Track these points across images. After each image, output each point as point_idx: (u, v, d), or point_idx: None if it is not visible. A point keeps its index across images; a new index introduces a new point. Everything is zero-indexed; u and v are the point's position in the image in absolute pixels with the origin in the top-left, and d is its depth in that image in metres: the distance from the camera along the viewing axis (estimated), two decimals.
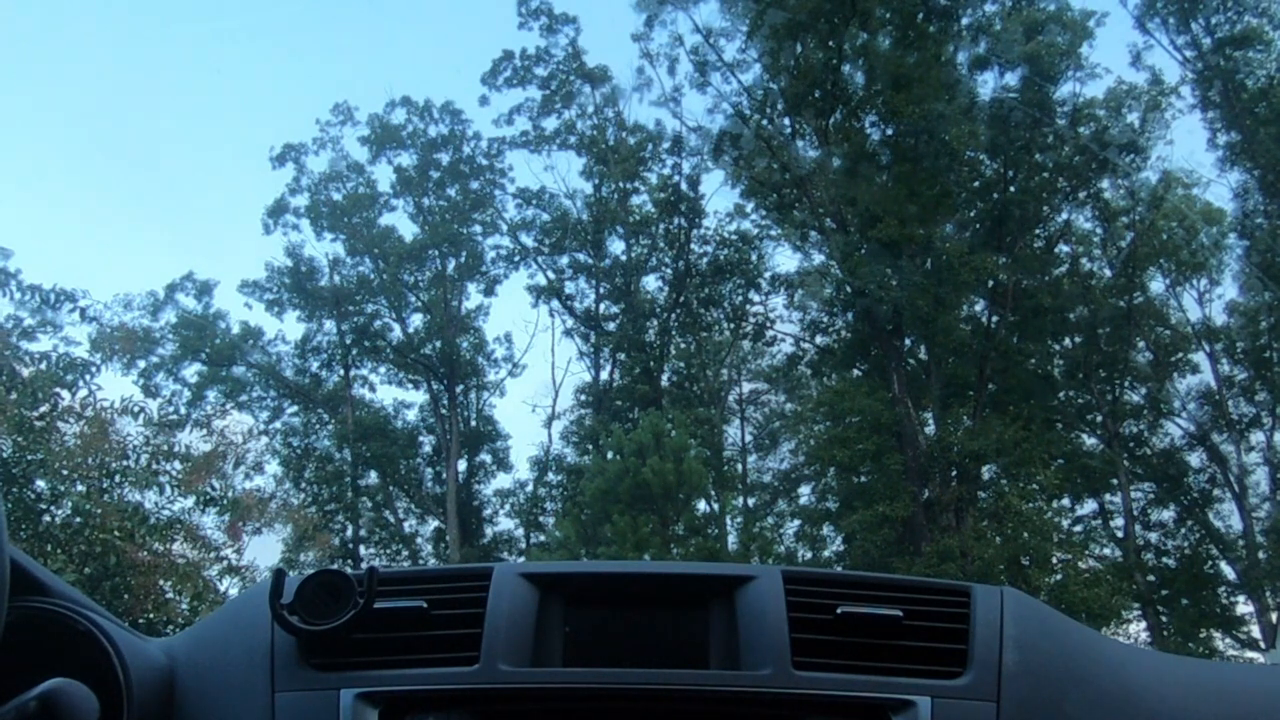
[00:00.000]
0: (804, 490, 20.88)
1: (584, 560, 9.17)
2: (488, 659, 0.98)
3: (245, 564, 8.68)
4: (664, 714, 0.99)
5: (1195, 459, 18.61)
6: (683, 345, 21.95)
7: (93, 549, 6.11)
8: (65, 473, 6.41)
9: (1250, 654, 16.69)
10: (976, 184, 18.06)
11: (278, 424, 22.01)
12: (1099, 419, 18.29)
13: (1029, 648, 1.02)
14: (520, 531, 21.61)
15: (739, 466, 21.59)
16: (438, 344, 21.91)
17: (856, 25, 17.18)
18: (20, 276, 5.83)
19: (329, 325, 22.59)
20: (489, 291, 22.46)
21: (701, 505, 18.57)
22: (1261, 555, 16.25)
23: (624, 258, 21.77)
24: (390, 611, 1.01)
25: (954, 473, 16.21)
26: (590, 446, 19.28)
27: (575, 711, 0.99)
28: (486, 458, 22.48)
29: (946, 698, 0.97)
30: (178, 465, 7.04)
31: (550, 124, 22.10)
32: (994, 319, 17.75)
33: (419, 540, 22.25)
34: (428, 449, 22.72)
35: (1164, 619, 17.23)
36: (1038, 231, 18.32)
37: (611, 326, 21.81)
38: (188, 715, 0.98)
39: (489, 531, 22.01)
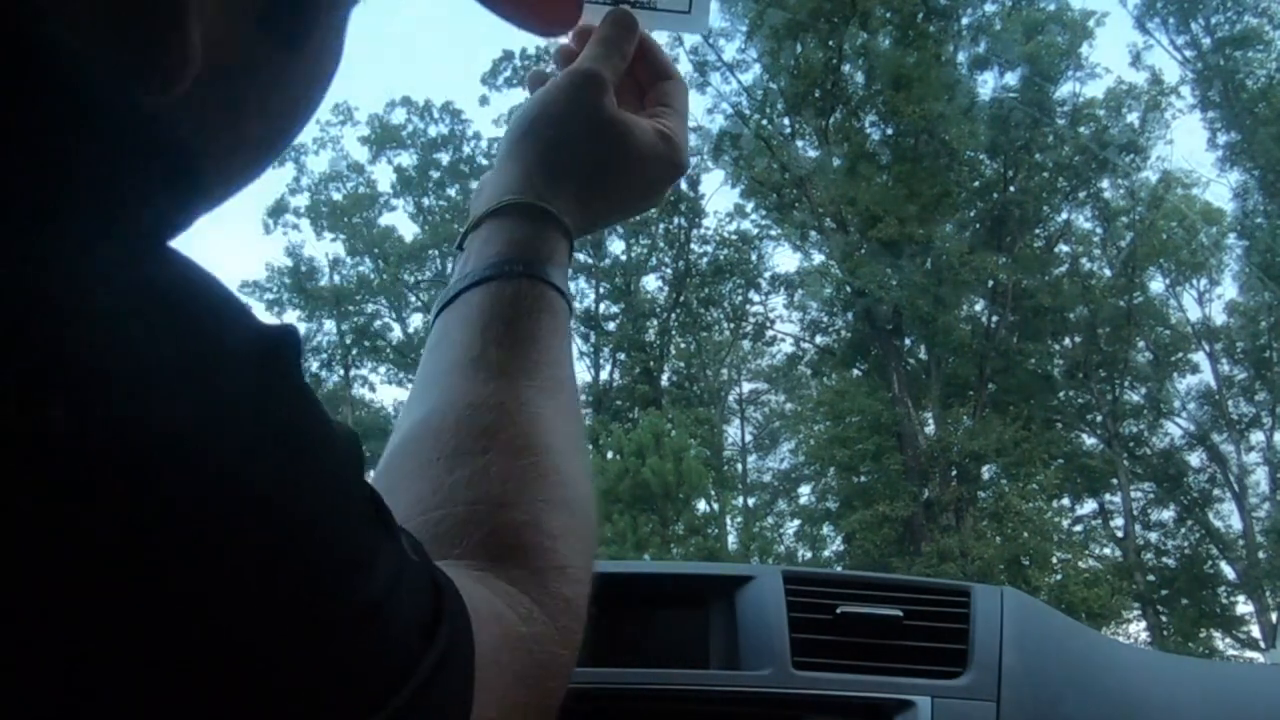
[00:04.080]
0: (804, 490, 20.88)
1: None
2: None
3: None
4: (663, 714, 0.99)
5: (1195, 459, 18.62)
6: (683, 345, 21.96)
7: None
8: None
9: (1250, 654, 16.70)
10: (976, 184, 18.07)
11: None
12: (1099, 419, 18.29)
13: (1029, 648, 1.02)
14: None
15: (739, 466, 21.60)
16: None
17: (856, 25, 17.19)
18: None
19: (329, 325, 22.61)
20: None
21: (701, 505, 18.56)
22: (1261, 555, 16.26)
23: (624, 257, 21.79)
24: None
25: (954, 473, 16.22)
26: (590, 446, 19.27)
27: (574, 712, 0.98)
28: None
29: (946, 698, 0.97)
30: None
31: None
32: (994, 319, 17.76)
33: None
34: None
35: (1164, 619, 17.24)
36: (1038, 231, 18.33)
37: (611, 326, 21.82)
38: None
39: None
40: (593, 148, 0.61)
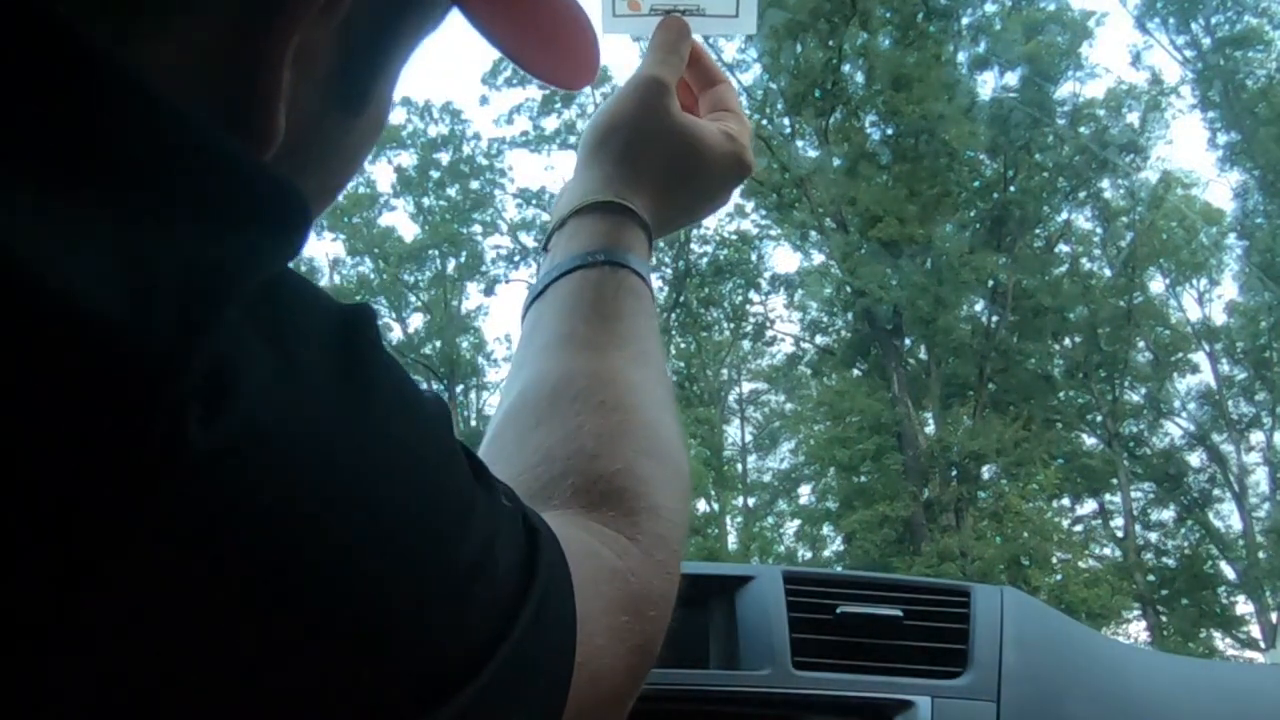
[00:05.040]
0: (804, 490, 20.88)
1: None
2: None
3: None
4: (663, 714, 0.99)
5: (1195, 459, 18.61)
6: (682, 345, 21.95)
7: None
8: None
9: (1250, 654, 16.69)
10: (976, 184, 18.06)
11: None
12: (1099, 419, 18.29)
13: (1029, 648, 1.02)
14: None
15: (739, 466, 21.60)
16: (438, 344, 21.91)
17: (856, 25, 17.18)
18: None
19: None
20: (489, 291, 22.48)
21: (701, 505, 18.59)
22: (1261, 555, 16.25)
23: None
24: None
25: (954, 473, 16.22)
26: None
27: None
28: None
29: (946, 698, 0.97)
30: None
31: (550, 124, 22.11)
32: (994, 319, 17.76)
33: None
34: None
35: (1164, 619, 17.23)
36: (1038, 231, 18.32)
37: None
38: None
39: None
40: (666, 151, 0.64)
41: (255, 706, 0.27)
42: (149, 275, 0.25)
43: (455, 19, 0.48)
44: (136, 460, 0.24)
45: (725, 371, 22.35)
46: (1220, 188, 18.59)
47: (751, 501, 21.50)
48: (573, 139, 22.23)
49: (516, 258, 22.40)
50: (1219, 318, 18.70)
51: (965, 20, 17.74)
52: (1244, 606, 17.22)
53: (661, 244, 23.35)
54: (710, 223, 21.59)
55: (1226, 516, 17.97)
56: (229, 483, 0.25)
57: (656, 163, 0.64)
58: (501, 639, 0.33)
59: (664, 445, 0.52)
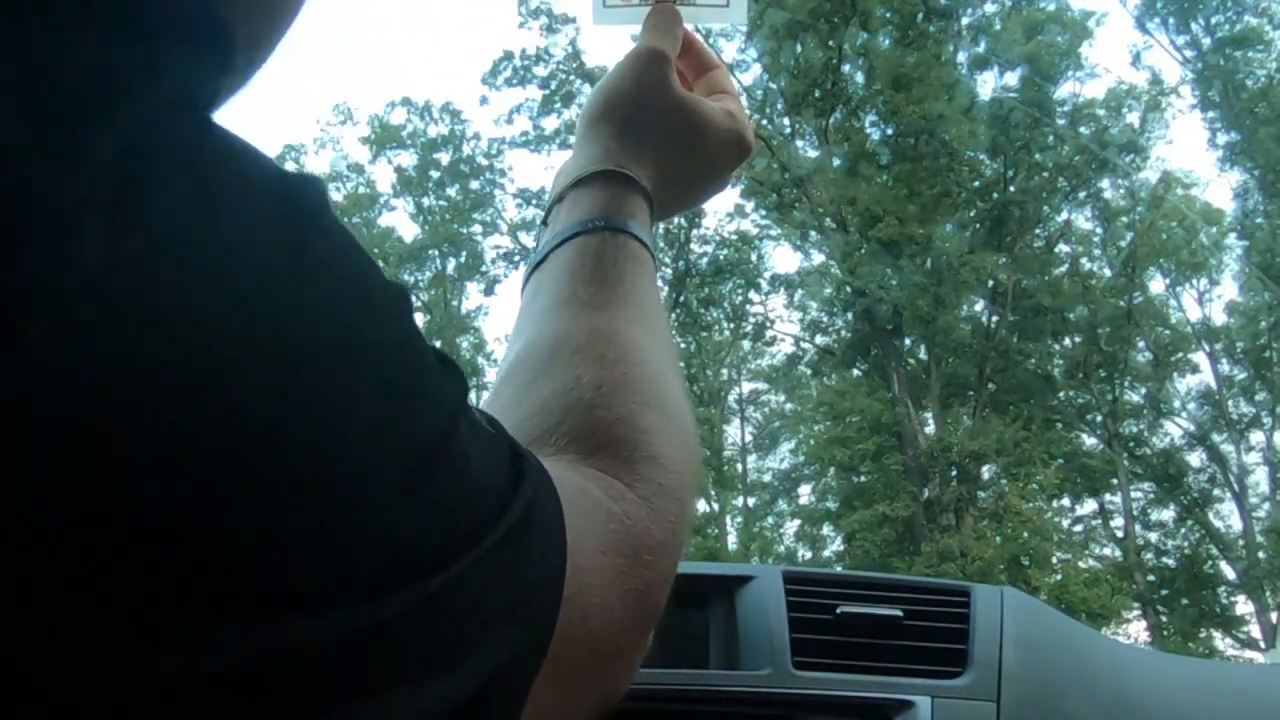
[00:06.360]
0: (804, 490, 20.88)
1: None
2: None
3: None
4: (662, 714, 0.99)
5: (1195, 459, 18.62)
6: (682, 345, 21.95)
7: None
8: None
9: (1250, 654, 16.69)
10: (976, 184, 18.07)
11: None
12: (1099, 419, 18.29)
13: (1029, 648, 1.02)
14: None
15: (739, 466, 21.60)
16: (438, 344, 21.77)
17: (856, 25, 17.19)
18: None
19: None
20: (489, 291, 22.49)
21: (701, 505, 18.54)
22: (1261, 555, 16.26)
23: None
24: None
25: (954, 473, 16.22)
26: None
27: None
28: None
29: (946, 698, 0.97)
30: None
31: (550, 124, 22.12)
32: (994, 319, 17.77)
33: None
34: None
35: (1164, 619, 17.24)
36: (1038, 231, 18.33)
37: None
38: None
39: None
40: (666, 122, 0.63)
41: (154, 582, 0.23)
42: (43, 81, 0.24)
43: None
44: (24, 270, 0.22)
45: (725, 371, 22.35)
46: (1220, 188, 18.69)
47: (751, 501, 21.50)
48: (572, 139, 22.17)
49: (516, 258, 22.42)
50: (1219, 318, 18.72)
51: (965, 20, 17.76)
52: (1244, 606, 17.22)
53: (661, 244, 23.46)
54: (710, 223, 21.61)
55: (1226, 516, 17.97)
56: (130, 296, 0.23)
57: (658, 136, 0.63)
58: (473, 540, 0.30)
59: (666, 398, 0.51)
